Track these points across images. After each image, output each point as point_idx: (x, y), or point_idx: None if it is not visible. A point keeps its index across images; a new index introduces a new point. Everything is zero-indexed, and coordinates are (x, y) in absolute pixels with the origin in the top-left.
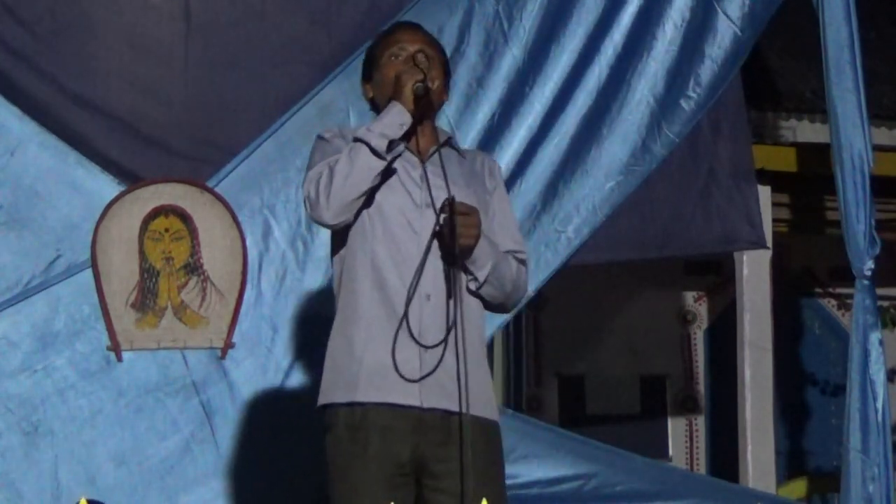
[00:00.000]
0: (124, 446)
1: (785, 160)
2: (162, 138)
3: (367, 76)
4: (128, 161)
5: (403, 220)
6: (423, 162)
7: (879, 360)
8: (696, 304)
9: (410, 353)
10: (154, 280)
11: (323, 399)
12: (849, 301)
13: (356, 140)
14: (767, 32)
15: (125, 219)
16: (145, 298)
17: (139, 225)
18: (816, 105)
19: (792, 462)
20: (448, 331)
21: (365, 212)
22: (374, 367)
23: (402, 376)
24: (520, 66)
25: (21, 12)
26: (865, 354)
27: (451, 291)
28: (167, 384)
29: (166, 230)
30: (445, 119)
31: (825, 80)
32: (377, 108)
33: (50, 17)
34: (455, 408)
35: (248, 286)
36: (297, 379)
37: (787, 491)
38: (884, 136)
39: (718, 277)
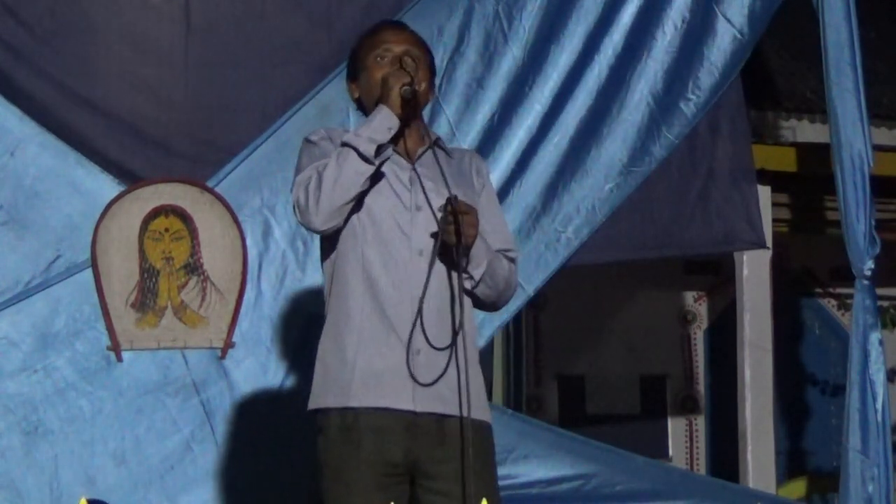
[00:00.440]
0: (124, 446)
1: (785, 160)
2: (162, 138)
3: (353, 76)
4: (128, 161)
5: (393, 222)
6: (411, 164)
7: (879, 360)
8: (696, 304)
9: (413, 358)
10: (154, 280)
11: (314, 403)
12: (849, 301)
13: (344, 145)
14: (767, 32)
15: (125, 219)
16: (145, 298)
17: (139, 225)
18: (816, 105)
19: (792, 462)
20: (455, 334)
21: (355, 216)
22: (367, 371)
23: (417, 382)
24: (520, 66)
25: (21, 12)
26: (865, 354)
27: (454, 294)
28: (167, 384)
29: (166, 230)
30: (445, 119)
31: (825, 80)
32: (363, 108)
33: (50, 17)
34: (449, 411)
35: (248, 286)
36: (297, 379)
37: (787, 491)
38: (884, 136)
39: (718, 277)
